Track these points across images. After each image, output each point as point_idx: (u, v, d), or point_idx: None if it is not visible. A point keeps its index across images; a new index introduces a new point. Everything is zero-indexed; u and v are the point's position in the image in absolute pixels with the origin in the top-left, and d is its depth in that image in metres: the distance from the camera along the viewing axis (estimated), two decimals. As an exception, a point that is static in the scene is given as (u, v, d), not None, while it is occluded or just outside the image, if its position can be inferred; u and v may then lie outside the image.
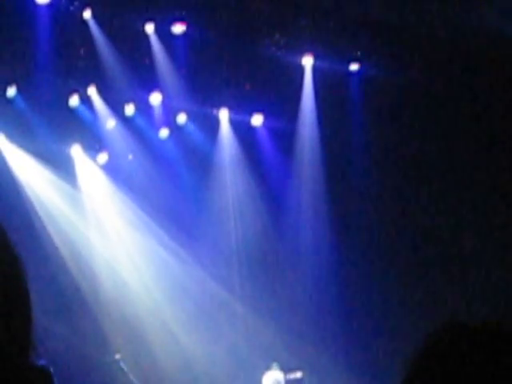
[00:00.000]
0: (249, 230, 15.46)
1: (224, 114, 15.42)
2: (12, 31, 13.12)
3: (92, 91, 14.39)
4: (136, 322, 14.70)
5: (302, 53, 14.90)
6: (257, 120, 15.51)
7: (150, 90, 14.71)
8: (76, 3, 13.60)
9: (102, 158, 14.95)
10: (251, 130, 15.60)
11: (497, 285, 14.69)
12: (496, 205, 15.14)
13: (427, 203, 15.34)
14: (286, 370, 14.27)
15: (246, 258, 15.54)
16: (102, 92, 14.46)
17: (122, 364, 12.95)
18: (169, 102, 14.91)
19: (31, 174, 14.30)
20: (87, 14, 13.72)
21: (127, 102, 14.66)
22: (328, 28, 14.37)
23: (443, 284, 15.05)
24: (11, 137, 13.90)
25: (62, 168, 14.41)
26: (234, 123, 15.54)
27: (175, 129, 15.22)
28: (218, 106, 15.27)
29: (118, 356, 13.11)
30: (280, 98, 15.08)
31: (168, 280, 15.07)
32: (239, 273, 15.61)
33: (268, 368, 14.27)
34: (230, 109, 15.33)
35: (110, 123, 14.78)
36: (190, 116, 15.22)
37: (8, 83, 13.62)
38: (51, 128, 13.94)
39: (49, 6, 13.38)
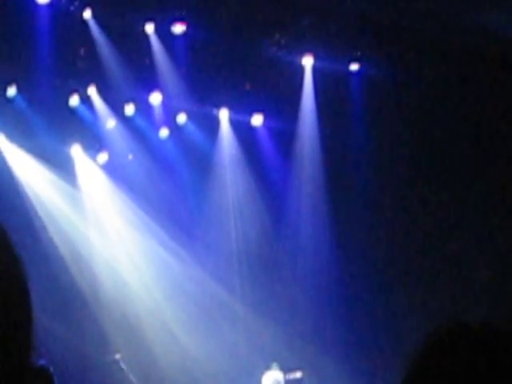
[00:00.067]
0: (249, 229, 15.46)
1: (224, 114, 15.42)
2: (12, 31, 13.12)
3: (92, 91, 14.39)
4: (136, 322, 14.71)
5: (302, 53, 14.90)
6: (257, 120, 15.51)
7: (150, 90, 14.71)
8: (76, 3, 13.60)
9: (102, 157, 14.95)
10: (251, 129, 15.60)
11: (497, 285, 14.69)
12: (496, 205, 15.15)
13: (427, 203, 15.34)
14: (285, 369, 14.27)
15: (245, 257, 15.54)
16: (102, 92, 14.46)
17: (121, 364, 12.96)
18: (169, 101, 14.91)
19: (31, 174, 14.29)
20: (87, 14, 13.73)
21: (127, 101, 14.66)
22: (328, 28, 14.37)
23: (443, 284, 15.05)
24: (11, 136, 13.90)
25: (62, 168, 14.41)
26: (234, 123, 15.54)
27: (175, 129, 15.22)
28: (218, 105, 15.27)
29: (117, 356, 13.12)
30: (280, 98, 15.09)
31: (168, 280, 15.07)
32: (239, 273, 15.61)
33: (268, 368, 14.27)
34: (230, 109, 15.33)
35: (110, 123, 14.78)
36: (190, 116, 15.22)
37: (8, 83, 13.62)
38: (51, 128, 13.94)
39: (49, 5, 13.38)
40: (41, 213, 14.26)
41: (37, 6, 13.32)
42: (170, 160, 15.31)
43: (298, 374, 14.36)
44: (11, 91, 13.68)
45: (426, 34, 14.28)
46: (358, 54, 14.92)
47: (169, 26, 14.26)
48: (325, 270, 15.45)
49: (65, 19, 13.58)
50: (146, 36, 14.27)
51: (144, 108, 14.86)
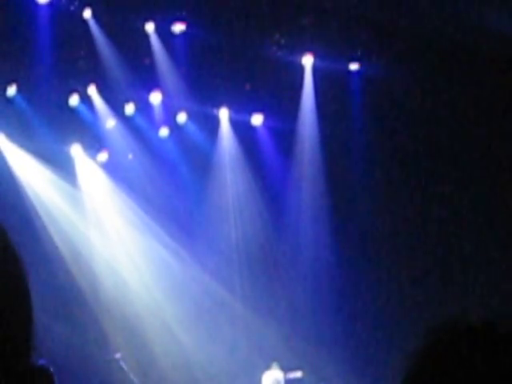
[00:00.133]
0: (249, 229, 15.45)
1: (224, 114, 15.42)
2: (12, 30, 13.12)
3: (92, 90, 14.39)
4: (136, 322, 14.70)
5: (302, 52, 14.90)
6: (257, 119, 15.51)
7: (150, 90, 14.71)
8: (76, 3, 13.61)
9: (102, 157, 14.95)
10: (251, 129, 15.60)
11: (497, 284, 14.69)
12: (497, 204, 15.14)
13: (428, 203, 15.34)
14: (285, 369, 14.26)
15: (245, 257, 15.54)
16: (102, 91, 14.46)
17: (122, 363, 12.96)
18: (169, 101, 14.91)
19: (31, 174, 14.29)
20: (87, 14, 13.73)
21: (127, 101, 14.66)
22: (328, 27, 14.37)
23: (443, 284, 15.05)
24: (11, 136, 13.90)
25: (62, 167, 14.41)
26: (234, 122, 15.54)
27: (175, 128, 15.22)
28: (218, 105, 15.27)
29: (118, 355, 13.12)
30: (280, 98, 15.09)
31: (168, 279, 15.07)
32: (239, 272, 15.61)
33: (268, 367, 14.26)
34: (230, 108, 15.33)
35: (110, 122, 14.79)
36: (190, 115, 15.22)
37: (8, 82, 13.62)
38: (51, 127, 13.94)
39: (49, 5, 13.39)
40: (41, 212, 14.26)
41: (37, 5, 13.33)
42: (169, 159, 15.31)
43: (298, 374, 14.35)
44: (11, 91, 13.68)
45: (425, 33, 14.28)
46: (358, 53, 14.92)
47: (169, 26, 14.27)
48: (325, 269, 15.45)
49: (65, 19, 13.58)
50: (146, 35, 14.28)
51: (144, 107, 14.86)
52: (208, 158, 15.58)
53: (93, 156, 14.86)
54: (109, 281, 14.65)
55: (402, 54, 14.54)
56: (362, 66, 15.07)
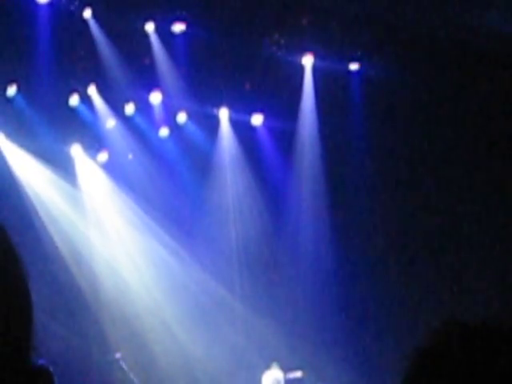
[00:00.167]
0: (249, 229, 15.46)
1: (224, 114, 15.42)
2: (12, 30, 13.12)
3: (92, 90, 14.39)
4: (136, 322, 14.70)
5: (302, 52, 14.90)
6: (257, 119, 15.51)
7: (150, 90, 14.72)
8: (76, 3, 13.61)
9: (102, 157, 14.95)
10: (251, 129, 15.60)
11: (497, 285, 14.69)
12: (497, 204, 15.14)
13: (428, 203, 15.34)
14: (285, 369, 14.26)
15: (245, 257, 15.54)
16: (102, 91, 14.46)
17: (122, 363, 12.96)
18: (169, 101, 14.91)
19: (31, 174, 14.29)
20: (87, 14, 13.74)
21: (127, 101, 14.66)
22: (328, 27, 14.37)
23: (443, 284, 15.05)
24: (11, 136, 13.90)
25: (62, 167, 14.41)
26: (234, 122, 15.54)
27: (175, 128, 15.22)
28: (218, 105, 15.27)
29: (118, 355, 13.12)
30: (280, 98, 15.08)
31: (168, 279, 15.07)
32: (239, 272, 15.61)
33: (268, 367, 14.27)
34: (230, 108, 15.33)
35: (110, 122, 14.78)
36: (190, 115, 15.22)
37: (8, 82, 13.62)
38: (51, 127, 13.94)
39: (49, 5, 13.39)
40: (41, 212, 14.26)
41: (37, 5, 13.33)
42: (169, 159, 15.31)
43: (298, 374, 14.35)
44: (11, 91, 13.68)
45: (426, 33, 14.28)
46: (358, 53, 14.92)
47: (169, 26, 14.27)
48: (325, 269, 15.45)
49: (65, 19, 13.59)
50: (145, 35, 14.28)
51: (144, 107, 14.86)
52: (208, 158, 15.58)
53: (93, 156, 14.86)
54: (109, 281, 14.65)
55: (402, 54, 14.54)
56: (361, 66, 15.07)
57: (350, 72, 15.21)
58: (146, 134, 15.07)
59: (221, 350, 14.80)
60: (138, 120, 14.96)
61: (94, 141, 14.78)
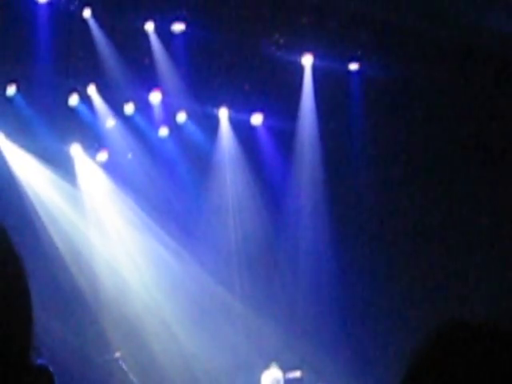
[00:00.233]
0: (249, 229, 15.46)
1: (224, 113, 15.42)
2: (12, 30, 13.12)
3: (92, 90, 14.39)
4: (136, 321, 14.71)
5: (301, 52, 14.90)
6: (256, 119, 15.51)
7: (149, 89, 14.72)
8: (76, 2, 13.61)
9: (102, 156, 14.96)
10: (251, 129, 15.60)
11: (497, 285, 14.69)
12: (498, 203, 15.15)
13: (428, 203, 15.34)
14: (285, 369, 14.26)
15: (245, 257, 15.54)
16: (101, 91, 14.46)
17: (121, 363, 12.96)
18: (168, 100, 14.91)
19: (31, 173, 14.29)
20: (87, 13, 13.73)
21: (127, 100, 14.67)
22: (328, 27, 14.37)
23: (444, 284, 15.05)
24: (11, 136, 13.90)
25: (62, 167, 14.41)
26: (233, 122, 15.54)
27: (175, 127, 15.22)
28: (218, 104, 15.27)
29: (117, 355, 13.12)
30: (280, 97, 15.08)
31: (168, 279, 15.07)
32: (239, 272, 15.61)
33: (267, 367, 14.27)
34: (230, 108, 15.34)
35: (110, 122, 14.79)
36: (190, 115, 15.22)
37: (8, 82, 13.62)
38: (51, 127, 13.95)
39: (49, 4, 13.39)
40: (41, 212, 14.26)
41: (36, 4, 13.33)
42: (169, 159, 15.31)
43: (298, 374, 14.35)
44: (11, 90, 13.68)
45: (426, 33, 14.28)
46: (358, 53, 14.92)
47: (169, 25, 14.27)
48: (325, 269, 15.45)
49: (64, 18, 13.59)
50: (145, 35, 14.28)
51: (144, 107, 14.86)
52: (208, 158, 15.58)
53: (92, 156, 14.86)
54: (109, 281, 14.65)
55: (402, 54, 14.54)
56: (361, 65, 15.07)
57: (349, 72, 15.21)
58: (145, 134, 15.07)
59: (220, 350, 14.80)
60: (138, 120, 14.97)
61: (94, 140, 14.79)
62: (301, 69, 15.09)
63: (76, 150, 14.70)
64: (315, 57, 14.92)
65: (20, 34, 13.24)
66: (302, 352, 14.70)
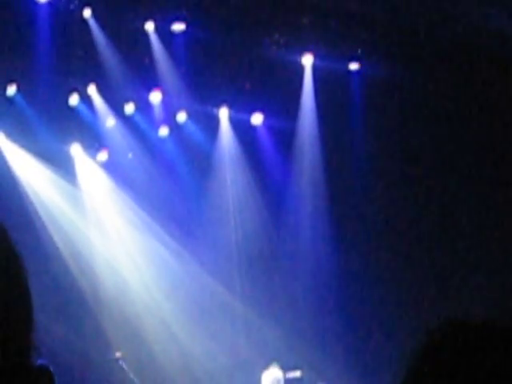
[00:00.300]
0: (249, 228, 15.45)
1: (224, 113, 15.42)
2: (12, 30, 13.12)
3: (92, 90, 14.39)
4: (136, 321, 14.70)
5: (301, 52, 14.90)
6: (257, 119, 15.50)
7: (149, 89, 14.71)
8: (76, 2, 13.61)
9: (102, 156, 14.95)
10: (251, 128, 15.60)
11: (496, 284, 14.69)
12: (498, 203, 15.14)
13: (428, 202, 15.34)
14: (285, 369, 14.26)
15: (245, 256, 15.53)
16: (101, 91, 14.45)
17: (121, 363, 12.95)
18: (169, 100, 14.91)
19: (31, 173, 14.29)
20: (87, 13, 13.72)
21: (127, 100, 14.66)
22: (328, 27, 14.37)
23: (443, 283, 15.05)
24: (11, 135, 13.90)
25: (62, 167, 14.41)
26: (233, 122, 15.53)
27: (175, 127, 15.21)
28: (218, 104, 15.27)
29: (118, 355, 13.11)
30: (280, 97, 15.08)
31: (168, 279, 15.07)
32: (239, 272, 15.60)
33: (267, 367, 14.26)
34: (230, 107, 15.33)
35: (110, 122, 14.78)
36: (190, 114, 15.22)
37: (8, 82, 13.61)
38: (51, 127, 13.94)
39: (49, 4, 13.38)
40: (41, 212, 14.26)
41: (36, 4, 13.32)
42: (169, 158, 15.31)
43: (298, 373, 14.35)
44: (11, 90, 13.68)
45: (426, 33, 14.28)
46: (358, 53, 14.91)
47: (169, 25, 14.26)
48: (325, 269, 15.44)
49: (64, 18, 13.58)
50: (145, 35, 14.27)
51: (144, 107, 14.85)
52: (208, 158, 15.58)
53: (93, 155, 14.86)
54: (109, 280, 14.64)
55: (402, 54, 14.54)
56: (361, 65, 15.06)
57: (349, 71, 15.20)
58: (145, 134, 15.07)
59: (220, 350, 14.80)
60: (138, 119, 14.96)
61: (94, 140, 14.78)
62: (301, 69, 15.09)
63: (76, 150, 14.69)
64: (315, 57, 14.92)
65: (20, 33, 13.23)
66: (302, 352, 14.71)
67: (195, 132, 15.40)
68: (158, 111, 15.01)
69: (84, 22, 13.74)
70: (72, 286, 14.19)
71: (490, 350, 1.66)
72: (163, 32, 14.30)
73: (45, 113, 13.81)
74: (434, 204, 15.31)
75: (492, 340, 1.68)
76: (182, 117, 15.19)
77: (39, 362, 1.64)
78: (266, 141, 15.75)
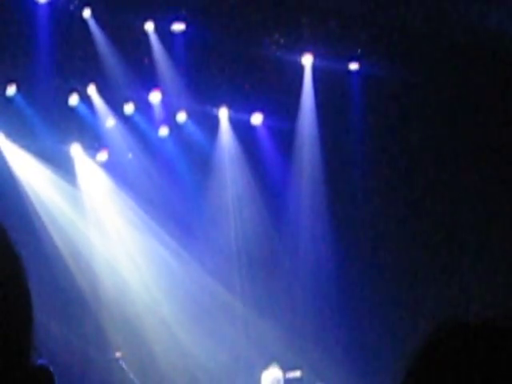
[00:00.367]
0: (249, 228, 15.46)
1: (224, 113, 15.42)
2: (12, 30, 13.12)
3: (92, 90, 14.39)
4: (136, 321, 14.71)
5: (301, 52, 14.90)
6: (256, 119, 15.51)
7: (149, 89, 14.71)
8: (75, 2, 13.61)
9: (102, 156, 14.96)
10: (251, 128, 15.60)
11: (496, 283, 14.69)
12: (498, 203, 15.14)
13: (428, 202, 15.34)
14: (285, 368, 14.26)
15: (245, 257, 15.54)
16: (101, 91, 14.46)
17: (121, 363, 12.96)
18: (168, 100, 14.91)
19: (31, 173, 14.29)
20: (87, 13, 13.73)
21: (127, 100, 14.66)
22: (328, 27, 14.37)
23: (443, 283, 15.05)
24: (11, 136, 13.90)
25: (62, 167, 14.41)
26: (233, 122, 15.54)
27: (175, 127, 15.21)
28: (218, 104, 15.27)
29: (118, 354, 13.12)
30: (280, 97, 15.09)
31: (168, 279, 15.07)
32: (239, 272, 15.61)
33: (267, 367, 14.26)
34: (230, 107, 15.33)
35: (110, 122, 14.78)
36: (190, 114, 15.22)
37: (8, 82, 13.62)
38: (51, 127, 13.95)
39: (48, 4, 13.39)
40: (41, 212, 14.26)
41: (36, 4, 13.33)
42: (169, 159, 15.31)
43: (298, 373, 14.35)
44: (11, 90, 13.68)
45: (426, 33, 14.28)
46: (358, 53, 14.92)
47: (168, 25, 14.27)
48: (325, 269, 15.45)
49: (64, 18, 13.59)
50: (145, 35, 14.28)
51: (144, 107, 14.86)
52: (208, 158, 15.58)
53: (92, 155, 14.86)
54: (109, 280, 14.65)
55: (402, 54, 14.54)
56: (361, 65, 15.07)
57: (349, 72, 15.21)
58: (145, 134, 15.07)
59: (220, 350, 14.80)
60: (138, 119, 14.96)
61: (94, 140, 14.79)
62: (301, 69, 15.09)
63: (76, 150, 14.70)
64: (315, 57, 14.92)
65: (20, 33, 13.24)
66: (302, 352, 14.71)
67: (195, 132, 15.41)
68: (157, 111, 15.02)
69: (84, 22, 13.75)
70: (72, 286, 14.19)
71: (490, 350, 1.66)
72: (163, 32, 14.31)
73: (45, 113, 13.82)
74: (435, 203, 15.31)
75: (492, 340, 1.68)
76: (181, 117, 15.19)
77: (39, 361, 1.64)
78: (265, 141, 15.75)
